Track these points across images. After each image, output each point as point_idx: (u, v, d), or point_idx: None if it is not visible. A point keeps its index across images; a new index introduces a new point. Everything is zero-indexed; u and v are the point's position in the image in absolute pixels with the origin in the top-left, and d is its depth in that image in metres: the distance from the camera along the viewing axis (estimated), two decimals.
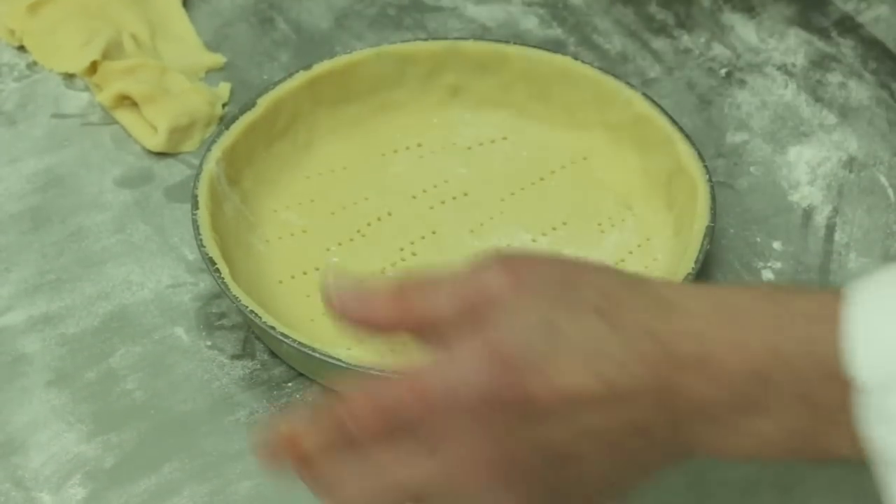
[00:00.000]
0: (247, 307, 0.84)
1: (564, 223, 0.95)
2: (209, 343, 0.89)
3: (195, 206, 0.89)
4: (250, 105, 0.95)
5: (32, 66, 1.07)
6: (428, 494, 0.67)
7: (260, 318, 0.84)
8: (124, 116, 1.02)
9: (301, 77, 0.96)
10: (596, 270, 0.68)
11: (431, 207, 0.96)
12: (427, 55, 0.99)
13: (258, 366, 0.88)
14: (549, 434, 0.65)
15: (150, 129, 1.01)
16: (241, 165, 0.94)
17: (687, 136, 0.93)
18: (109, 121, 1.03)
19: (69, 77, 1.05)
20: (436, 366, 0.66)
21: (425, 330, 0.68)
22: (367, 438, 0.66)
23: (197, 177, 0.91)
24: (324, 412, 0.67)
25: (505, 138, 1.00)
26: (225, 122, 0.96)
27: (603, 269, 0.69)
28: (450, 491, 0.66)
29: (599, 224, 0.95)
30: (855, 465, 0.81)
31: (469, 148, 0.99)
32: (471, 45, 0.99)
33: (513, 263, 0.67)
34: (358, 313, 0.69)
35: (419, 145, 0.99)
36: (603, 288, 0.66)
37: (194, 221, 0.88)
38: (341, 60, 0.98)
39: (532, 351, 0.64)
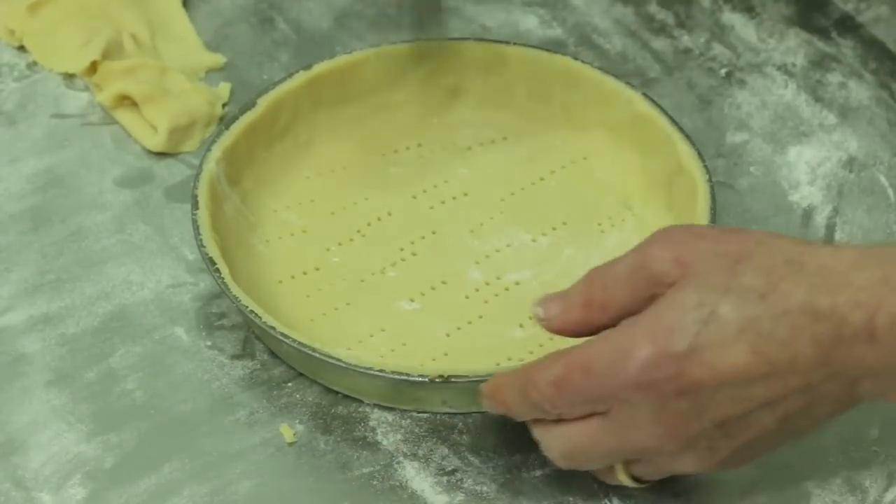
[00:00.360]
0: (247, 307, 0.84)
1: (564, 223, 0.95)
2: (209, 343, 0.89)
3: (195, 206, 0.89)
4: (250, 105, 0.95)
5: (32, 66, 1.07)
6: (616, 456, 0.76)
7: (260, 318, 0.84)
8: (124, 116, 1.02)
9: (301, 77, 0.96)
10: (759, 246, 0.71)
11: (431, 207, 0.96)
12: (427, 55, 0.98)
13: (258, 366, 0.88)
14: (719, 408, 0.70)
15: (150, 129, 1.01)
16: (242, 165, 0.94)
17: (687, 137, 0.93)
18: (109, 121, 1.03)
19: (69, 77, 1.05)
20: (604, 347, 0.72)
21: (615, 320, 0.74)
22: (552, 408, 0.74)
23: (197, 177, 0.91)
24: (517, 384, 0.76)
25: (505, 138, 1.00)
26: (225, 122, 0.96)
27: (767, 243, 0.71)
28: (630, 453, 0.75)
29: (599, 224, 0.95)
30: (855, 465, 0.82)
31: (469, 148, 0.99)
32: (470, 46, 0.99)
33: (677, 246, 0.72)
34: (561, 324, 0.76)
35: (419, 145, 0.99)
36: (765, 268, 0.70)
37: (194, 221, 0.88)
38: (341, 60, 0.98)
39: (694, 341, 0.69)
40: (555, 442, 0.76)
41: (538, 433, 0.77)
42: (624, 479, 0.77)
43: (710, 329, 0.69)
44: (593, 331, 0.75)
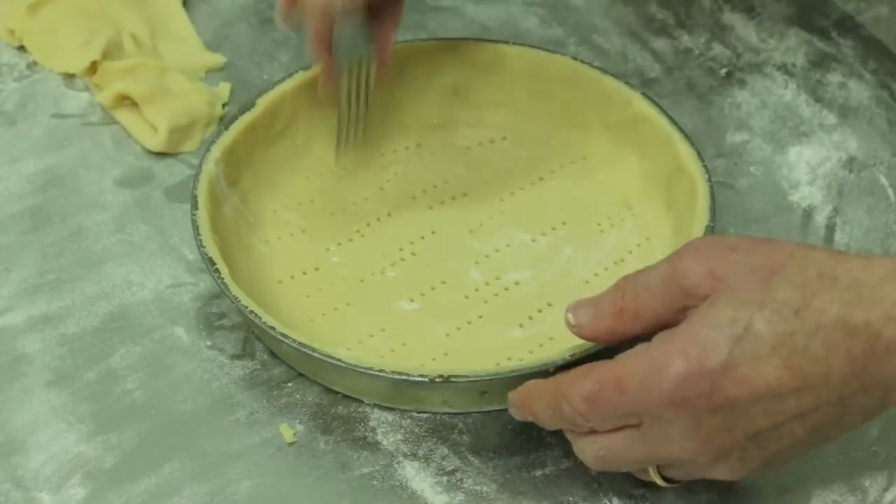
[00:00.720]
0: (247, 307, 0.84)
1: (564, 223, 0.95)
2: (209, 343, 0.89)
3: (195, 206, 0.89)
4: (249, 105, 0.95)
5: (32, 66, 1.07)
6: (648, 463, 0.76)
7: (260, 318, 0.83)
8: (124, 116, 1.02)
9: (300, 77, 0.96)
10: (791, 259, 0.71)
11: (431, 207, 0.96)
12: (426, 55, 0.98)
13: (258, 366, 0.88)
14: (751, 423, 0.70)
15: (150, 129, 1.01)
16: (241, 166, 0.94)
17: (686, 136, 0.93)
18: (109, 121, 1.03)
19: (69, 77, 1.05)
20: (637, 362, 0.72)
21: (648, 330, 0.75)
22: (586, 424, 0.75)
23: (196, 177, 0.91)
24: (548, 397, 0.76)
25: (504, 138, 1.00)
26: (224, 122, 0.96)
27: (799, 256, 0.72)
28: (663, 461, 0.75)
29: (599, 224, 0.95)
30: (855, 465, 0.82)
31: (468, 148, 0.99)
32: (471, 46, 0.99)
33: (710, 259, 0.72)
34: (592, 331, 0.77)
35: (418, 145, 0.99)
36: (798, 282, 0.70)
37: (194, 222, 0.88)
38: None
39: (728, 357, 0.69)
40: (588, 447, 0.76)
41: (570, 437, 0.78)
42: (656, 479, 0.77)
43: (744, 345, 0.69)
44: (624, 340, 0.75)
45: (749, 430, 0.71)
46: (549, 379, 0.77)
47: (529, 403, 0.78)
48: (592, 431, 0.75)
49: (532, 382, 0.78)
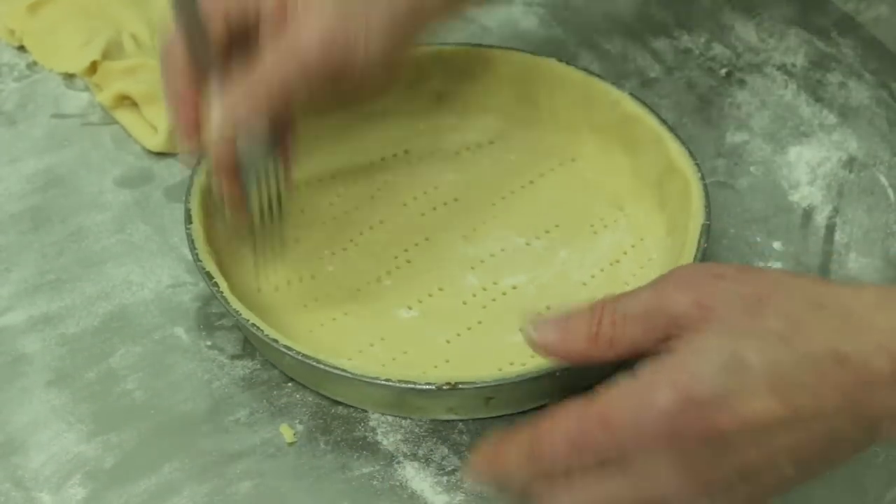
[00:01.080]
0: (248, 321, 0.83)
1: (557, 226, 0.94)
2: (209, 343, 0.89)
3: (188, 220, 0.88)
4: None
5: (32, 66, 1.07)
6: None
7: (262, 330, 0.83)
8: (124, 116, 1.02)
9: None
10: (779, 287, 0.70)
11: (423, 214, 0.95)
12: (411, 61, 0.98)
13: (258, 366, 0.88)
14: (741, 456, 0.68)
15: (150, 129, 1.01)
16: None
17: (676, 135, 0.92)
18: (109, 121, 1.03)
19: (69, 77, 1.05)
20: (622, 397, 0.69)
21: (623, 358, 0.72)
22: (564, 467, 0.70)
23: (188, 190, 0.90)
24: (523, 444, 0.71)
25: (492, 142, 0.99)
26: None
27: (786, 284, 0.70)
28: (647, 502, 0.70)
29: (592, 225, 0.94)
30: (855, 465, 0.81)
31: (457, 153, 0.99)
32: (454, 51, 0.98)
33: (697, 288, 0.70)
34: (560, 352, 0.74)
35: (406, 152, 0.99)
36: (787, 311, 0.68)
37: (189, 236, 0.87)
38: None
39: (719, 388, 0.67)
40: (566, 500, 0.71)
41: (541, 495, 0.72)
42: None
43: (734, 375, 0.67)
44: (592, 364, 0.73)
45: (737, 464, 0.69)
46: (522, 427, 0.72)
47: (501, 457, 0.72)
48: (568, 479, 0.70)
49: (502, 434, 0.73)
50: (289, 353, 0.82)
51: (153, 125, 1.01)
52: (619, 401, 0.69)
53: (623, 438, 0.69)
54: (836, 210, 0.97)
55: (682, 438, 0.68)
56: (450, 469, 0.82)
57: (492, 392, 0.82)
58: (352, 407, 0.85)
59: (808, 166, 0.99)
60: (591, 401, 0.70)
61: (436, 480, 0.82)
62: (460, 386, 0.80)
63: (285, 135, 0.87)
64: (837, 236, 0.95)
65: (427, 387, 0.80)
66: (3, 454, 0.83)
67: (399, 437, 0.84)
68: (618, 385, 0.69)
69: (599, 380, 0.86)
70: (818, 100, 1.04)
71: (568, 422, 0.70)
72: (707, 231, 0.87)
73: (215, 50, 0.84)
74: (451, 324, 0.89)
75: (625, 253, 0.92)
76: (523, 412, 0.85)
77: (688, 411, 0.67)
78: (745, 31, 1.08)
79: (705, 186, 0.89)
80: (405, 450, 0.83)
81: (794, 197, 0.98)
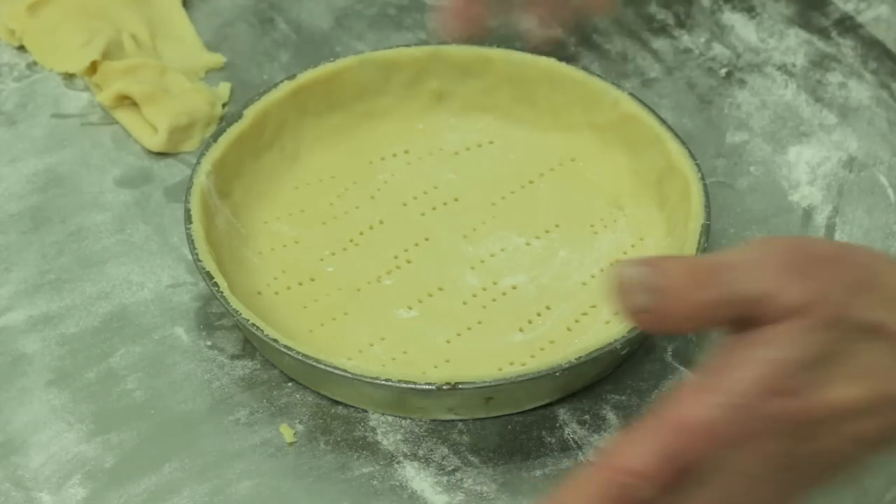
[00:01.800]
0: (248, 321, 0.83)
1: (557, 225, 0.94)
2: (209, 343, 0.89)
3: (188, 220, 0.88)
4: (237, 116, 0.94)
5: (32, 66, 1.07)
6: None
7: (262, 331, 0.83)
8: (124, 116, 1.02)
9: (285, 87, 0.95)
10: (878, 277, 0.69)
11: (423, 214, 0.95)
12: (410, 61, 0.98)
13: (258, 366, 0.88)
14: (822, 445, 0.68)
15: (150, 129, 1.01)
16: (231, 178, 0.93)
17: (676, 135, 0.92)
18: (109, 121, 1.03)
19: (69, 77, 1.05)
20: (703, 394, 0.66)
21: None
22: (655, 491, 0.65)
23: (188, 190, 0.90)
24: (596, 480, 0.66)
25: (491, 142, 0.99)
26: (214, 134, 0.95)
27: (887, 271, 0.70)
28: None
29: (592, 225, 0.94)
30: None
31: (456, 153, 0.99)
32: (454, 50, 0.98)
33: (803, 269, 0.68)
34: (654, 309, 0.68)
35: (406, 152, 0.99)
36: (888, 299, 0.68)
37: (189, 236, 0.87)
38: (325, 69, 0.97)
39: (808, 377, 0.66)
40: None
41: None
42: None
43: (828, 368, 0.67)
44: (672, 325, 0.69)
45: (819, 452, 0.68)
46: (589, 464, 0.69)
47: (578, 498, 0.67)
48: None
49: (571, 479, 0.67)
50: (289, 353, 0.82)
51: (153, 125, 1.01)
52: (695, 402, 0.66)
53: (718, 435, 0.66)
54: (836, 210, 0.97)
55: (769, 429, 0.66)
56: (450, 469, 0.82)
57: (492, 392, 0.82)
58: (352, 407, 0.85)
59: (808, 166, 0.99)
60: (660, 413, 0.66)
61: (436, 480, 0.82)
62: (460, 386, 0.80)
63: None
64: (837, 236, 0.95)
65: (427, 387, 0.80)
66: (3, 454, 0.83)
67: (399, 437, 0.84)
68: (686, 385, 0.67)
69: (599, 380, 0.86)
70: (818, 100, 1.04)
71: (643, 442, 0.66)
72: (707, 231, 0.87)
73: None
74: (451, 324, 0.89)
75: (625, 253, 0.92)
76: (523, 412, 0.85)
77: (775, 402, 0.66)
78: (745, 31, 1.08)
79: (705, 186, 0.89)
80: (405, 450, 0.83)
81: (794, 197, 0.98)
